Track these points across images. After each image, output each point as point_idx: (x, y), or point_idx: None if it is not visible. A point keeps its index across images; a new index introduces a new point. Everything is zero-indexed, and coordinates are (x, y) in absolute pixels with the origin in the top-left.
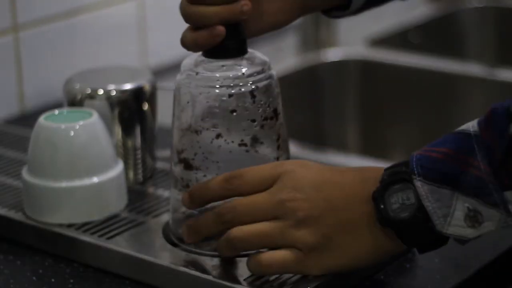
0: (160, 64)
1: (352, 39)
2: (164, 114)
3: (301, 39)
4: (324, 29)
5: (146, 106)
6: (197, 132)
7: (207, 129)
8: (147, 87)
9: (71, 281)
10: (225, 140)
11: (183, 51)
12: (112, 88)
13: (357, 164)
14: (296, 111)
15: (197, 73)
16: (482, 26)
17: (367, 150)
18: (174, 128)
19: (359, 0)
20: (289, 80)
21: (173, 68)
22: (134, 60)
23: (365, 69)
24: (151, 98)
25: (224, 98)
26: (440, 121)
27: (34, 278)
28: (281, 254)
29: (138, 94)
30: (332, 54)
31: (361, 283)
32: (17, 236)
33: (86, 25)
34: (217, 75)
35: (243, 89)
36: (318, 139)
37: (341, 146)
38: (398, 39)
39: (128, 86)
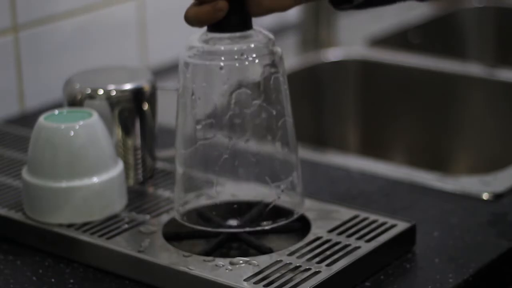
0: (160, 64)
1: (352, 39)
2: (164, 114)
3: (301, 39)
4: (324, 29)
5: (146, 106)
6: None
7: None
8: (147, 87)
9: (71, 281)
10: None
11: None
12: (112, 88)
13: (357, 164)
14: (296, 111)
15: (198, 49)
16: (482, 26)
17: (367, 150)
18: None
19: None
20: (289, 80)
21: (173, 68)
22: (134, 60)
23: (365, 69)
24: (151, 98)
25: (227, 71)
26: (440, 121)
27: (34, 278)
28: None
29: (138, 94)
30: (332, 54)
31: (361, 283)
32: (17, 236)
33: (86, 25)
34: (221, 48)
35: (247, 63)
36: (318, 139)
37: (341, 146)
38: (398, 39)
39: (128, 86)
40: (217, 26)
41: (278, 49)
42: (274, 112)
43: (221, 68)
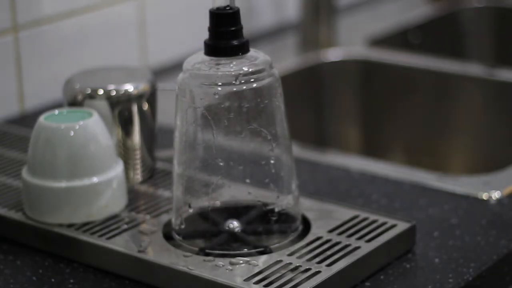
0: (160, 64)
1: (352, 39)
2: (164, 114)
3: (301, 39)
4: (324, 29)
5: (146, 106)
6: (195, 128)
7: (204, 125)
8: (147, 87)
9: (71, 281)
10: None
11: (183, 51)
12: (112, 88)
13: (357, 164)
14: (296, 111)
15: (195, 72)
16: (482, 26)
17: (367, 150)
18: (177, 127)
19: None
20: (289, 80)
21: (173, 68)
22: (134, 60)
23: (365, 69)
24: (151, 98)
25: (221, 96)
26: (440, 121)
27: (34, 278)
28: None
29: (138, 94)
30: (332, 54)
31: (361, 283)
32: (17, 236)
33: (86, 25)
34: (216, 73)
35: (244, 87)
36: (318, 139)
37: (341, 146)
38: (398, 39)
39: (128, 86)
40: (214, 50)
41: (274, 72)
42: (269, 137)
43: (216, 93)
